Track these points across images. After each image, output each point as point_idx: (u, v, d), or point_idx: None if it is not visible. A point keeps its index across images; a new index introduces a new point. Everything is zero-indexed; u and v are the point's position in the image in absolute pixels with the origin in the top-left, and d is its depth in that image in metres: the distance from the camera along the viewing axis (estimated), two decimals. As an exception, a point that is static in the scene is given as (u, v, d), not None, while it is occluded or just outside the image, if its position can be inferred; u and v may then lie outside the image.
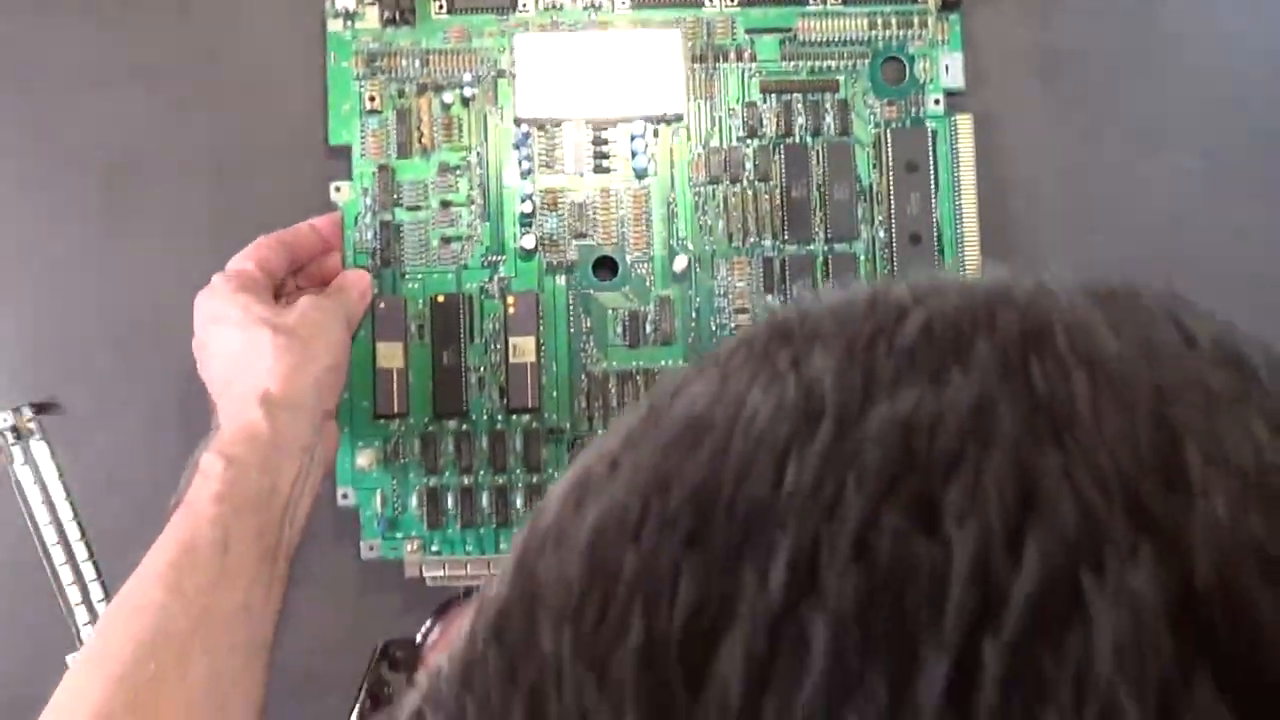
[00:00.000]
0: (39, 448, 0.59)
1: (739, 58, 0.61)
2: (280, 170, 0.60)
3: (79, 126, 0.60)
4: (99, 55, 0.60)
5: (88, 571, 0.59)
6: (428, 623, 0.46)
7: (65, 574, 0.59)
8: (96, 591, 0.59)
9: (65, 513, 0.59)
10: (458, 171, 0.60)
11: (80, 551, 0.59)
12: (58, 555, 0.59)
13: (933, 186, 0.60)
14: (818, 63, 0.61)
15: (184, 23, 0.61)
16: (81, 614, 0.59)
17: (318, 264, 0.58)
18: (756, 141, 0.61)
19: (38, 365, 0.59)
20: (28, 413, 0.59)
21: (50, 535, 0.59)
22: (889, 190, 0.60)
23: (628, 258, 0.60)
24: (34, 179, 0.60)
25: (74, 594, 0.58)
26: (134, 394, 0.59)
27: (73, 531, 0.59)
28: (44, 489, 0.59)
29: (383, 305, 0.59)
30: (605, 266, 0.60)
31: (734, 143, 0.61)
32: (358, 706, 0.43)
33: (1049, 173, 0.62)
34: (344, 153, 0.60)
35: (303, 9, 0.61)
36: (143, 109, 0.60)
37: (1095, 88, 0.62)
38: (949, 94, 0.62)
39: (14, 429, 0.59)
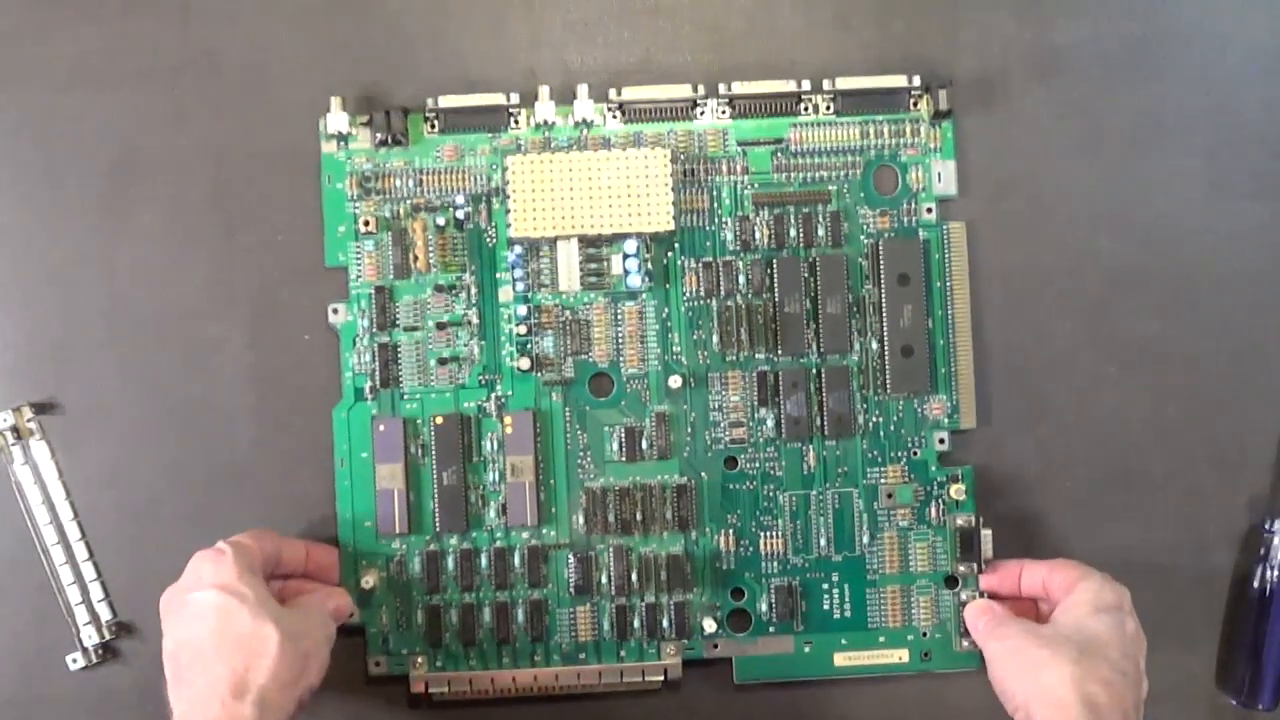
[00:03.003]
0: (39, 448, 0.60)
1: (731, 170, 0.61)
2: (280, 170, 0.61)
3: (79, 126, 0.61)
4: (99, 55, 0.61)
5: (88, 571, 0.60)
6: None
7: (65, 574, 0.60)
8: (96, 591, 0.60)
9: (65, 513, 0.60)
10: (453, 292, 0.60)
11: (80, 551, 0.60)
12: (58, 555, 0.60)
13: (925, 297, 0.60)
14: (810, 173, 0.61)
15: (185, 24, 0.61)
16: (81, 614, 0.60)
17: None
18: (749, 255, 0.61)
19: (38, 365, 0.61)
20: (28, 413, 0.60)
21: (50, 535, 0.60)
22: (882, 302, 0.60)
23: (623, 374, 0.61)
24: (34, 179, 0.61)
25: (74, 594, 0.60)
26: (134, 394, 0.61)
27: (73, 531, 0.60)
28: (44, 489, 0.60)
29: (382, 427, 0.59)
30: (601, 383, 0.61)
31: (727, 257, 0.61)
32: None
33: (1049, 173, 0.62)
34: (340, 275, 0.60)
35: (304, 9, 0.61)
36: (143, 109, 0.61)
37: (1096, 88, 0.63)
38: (941, 201, 0.62)
39: (14, 429, 0.60)
